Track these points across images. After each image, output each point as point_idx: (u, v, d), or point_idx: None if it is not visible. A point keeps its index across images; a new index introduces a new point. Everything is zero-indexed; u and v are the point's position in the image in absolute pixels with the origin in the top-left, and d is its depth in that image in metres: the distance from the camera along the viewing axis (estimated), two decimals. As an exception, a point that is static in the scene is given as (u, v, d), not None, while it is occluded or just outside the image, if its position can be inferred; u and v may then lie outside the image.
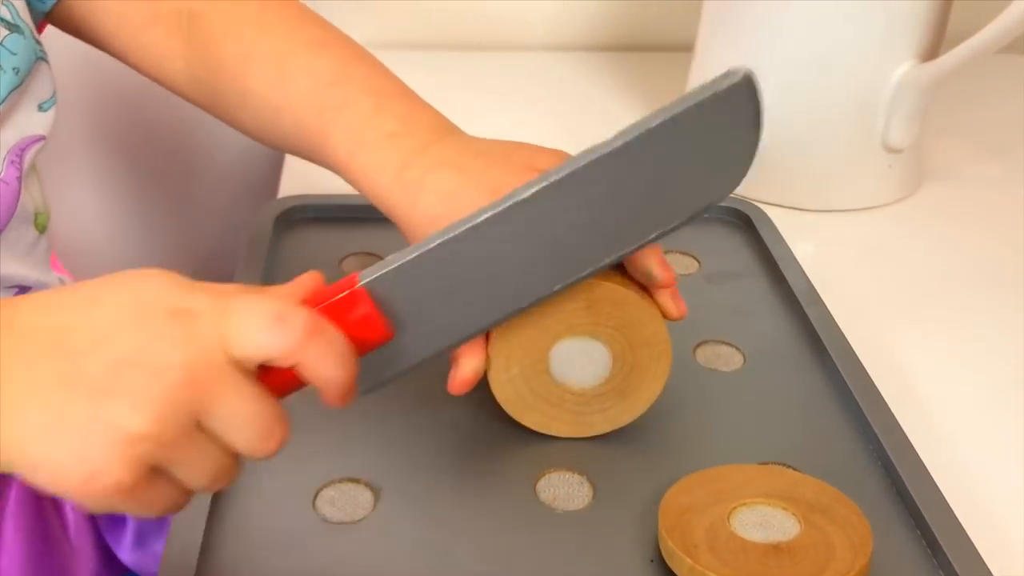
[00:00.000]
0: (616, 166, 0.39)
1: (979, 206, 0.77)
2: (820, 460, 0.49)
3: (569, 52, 0.98)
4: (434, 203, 0.48)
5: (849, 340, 0.56)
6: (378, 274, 0.39)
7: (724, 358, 0.57)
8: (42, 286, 0.61)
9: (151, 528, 0.65)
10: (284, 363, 0.36)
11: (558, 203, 0.39)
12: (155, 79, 0.60)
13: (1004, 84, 0.94)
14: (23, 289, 0.59)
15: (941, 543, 0.44)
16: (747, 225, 0.68)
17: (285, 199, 0.67)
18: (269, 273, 0.61)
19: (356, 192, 0.69)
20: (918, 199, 0.77)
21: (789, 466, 0.49)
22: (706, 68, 0.78)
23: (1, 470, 0.34)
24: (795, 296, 0.60)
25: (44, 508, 0.61)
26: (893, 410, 0.52)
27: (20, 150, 0.55)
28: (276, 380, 0.36)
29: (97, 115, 1.00)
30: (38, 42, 0.56)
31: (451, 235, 0.39)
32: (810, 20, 0.70)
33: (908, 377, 0.59)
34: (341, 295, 0.38)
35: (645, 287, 0.48)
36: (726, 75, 0.38)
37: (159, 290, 0.36)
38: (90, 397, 0.34)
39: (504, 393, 0.49)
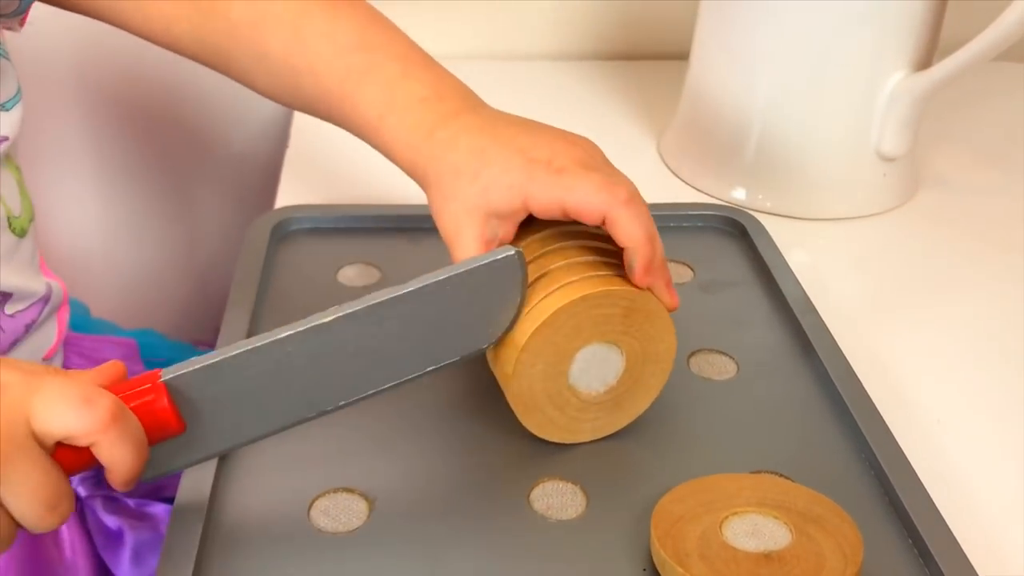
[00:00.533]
0: (404, 307, 0.45)
1: (974, 214, 0.77)
2: (813, 469, 0.50)
3: (566, 62, 0.98)
4: (463, 157, 0.49)
5: (843, 349, 0.56)
6: (178, 373, 0.42)
7: (718, 367, 0.57)
8: (30, 292, 0.60)
9: (148, 545, 0.66)
10: (82, 442, 0.38)
11: (352, 331, 0.44)
12: (161, 44, 0.60)
13: (998, 92, 0.95)
14: (4, 295, 0.58)
15: (933, 554, 0.44)
16: (742, 234, 0.68)
17: (281, 209, 0.67)
18: (265, 283, 0.61)
19: (353, 202, 0.70)
20: (913, 207, 0.77)
21: (782, 475, 0.49)
22: (701, 77, 0.78)
23: None
24: (789, 305, 0.60)
25: (43, 547, 0.61)
26: (886, 419, 0.52)
27: None
28: (69, 457, 0.39)
29: (94, 121, 1.00)
30: None
31: (253, 346, 0.43)
32: (804, 30, 0.71)
33: (901, 386, 0.59)
34: (142, 387, 0.41)
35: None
36: (499, 251, 0.46)
37: None
38: None
39: (519, 386, 0.48)
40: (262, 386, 0.44)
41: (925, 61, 0.72)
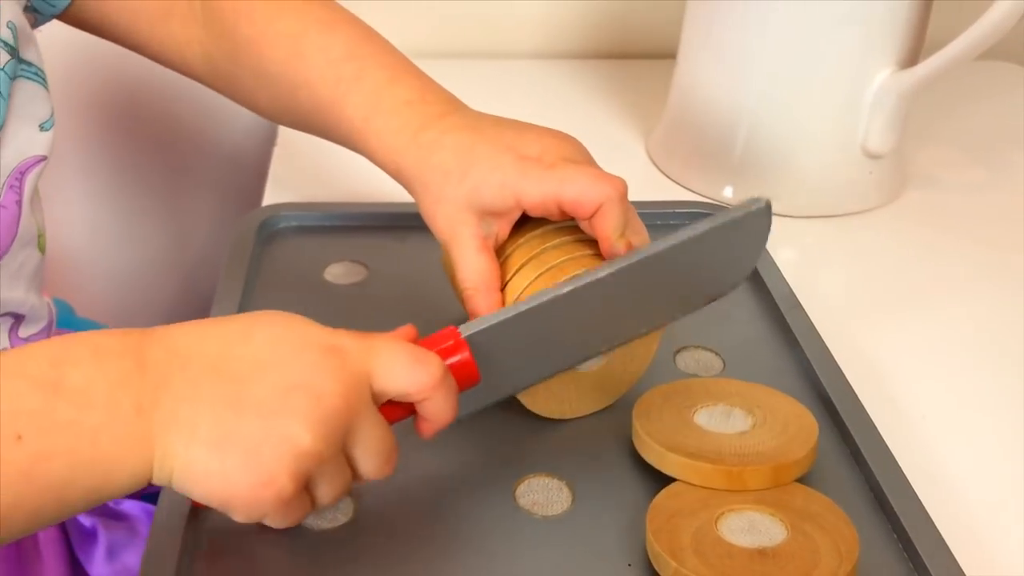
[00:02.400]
0: (662, 262, 0.47)
1: (960, 211, 0.78)
2: (798, 465, 0.50)
3: (555, 60, 0.98)
4: (450, 157, 0.50)
5: (829, 345, 0.57)
6: (475, 330, 0.45)
7: (704, 363, 0.57)
8: (36, 314, 0.59)
9: (122, 541, 0.65)
10: (415, 399, 0.42)
11: (623, 283, 0.46)
12: (174, 68, 0.62)
13: (984, 90, 0.95)
14: (16, 317, 0.58)
15: (918, 549, 0.45)
16: (728, 231, 0.68)
17: (268, 207, 0.67)
18: (251, 281, 0.61)
19: (339, 200, 0.70)
20: (899, 204, 0.78)
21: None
22: (689, 75, 0.78)
23: (159, 482, 0.38)
24: (775, 301, 0.60)
25: (22, 547, 0.61)
26: (871, 414, 0.52)
27: (20, 173, 0.55)
28: (392, 412, 0.42)
29: (81, 120, 1.00)
30: (27, 62, 0.55)
31: (538, 302, 0.45)
32: (790, 28, 0.71)
33: (887, 381, 0.60)
34: (447, 343, 0.44)
35: None
36: (753, 201, 0.48)
37: (308, 328, 0.41)
38: (259, 416, 0.38)
39: None
40: (537, 338, 0.46)
41: (911, 59, 0.73)
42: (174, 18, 0.60)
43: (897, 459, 0.49)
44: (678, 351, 0.57)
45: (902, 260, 0.72)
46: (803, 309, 0.60)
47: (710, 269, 0.49)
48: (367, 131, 0.53)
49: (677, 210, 0.70)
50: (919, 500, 0.47)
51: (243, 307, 0.58)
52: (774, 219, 0.73)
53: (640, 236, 0.49)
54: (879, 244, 0.74)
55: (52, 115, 0.58)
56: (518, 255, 0.50)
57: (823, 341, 0.57)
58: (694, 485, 0.46)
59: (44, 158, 0.56)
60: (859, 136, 0.73)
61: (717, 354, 0.57)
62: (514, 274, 0.50)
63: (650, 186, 0.79)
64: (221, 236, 1.08)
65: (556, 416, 0.52)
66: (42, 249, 0.59)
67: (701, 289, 0.49)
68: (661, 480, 0.47)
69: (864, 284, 0.70)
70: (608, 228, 0.47)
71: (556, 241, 0.50)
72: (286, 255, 0.64)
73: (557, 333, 0.47)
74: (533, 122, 0.52)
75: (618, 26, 0.99)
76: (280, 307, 0.59)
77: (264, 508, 0.38)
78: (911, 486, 0.48)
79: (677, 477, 0.47)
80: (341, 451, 0.40)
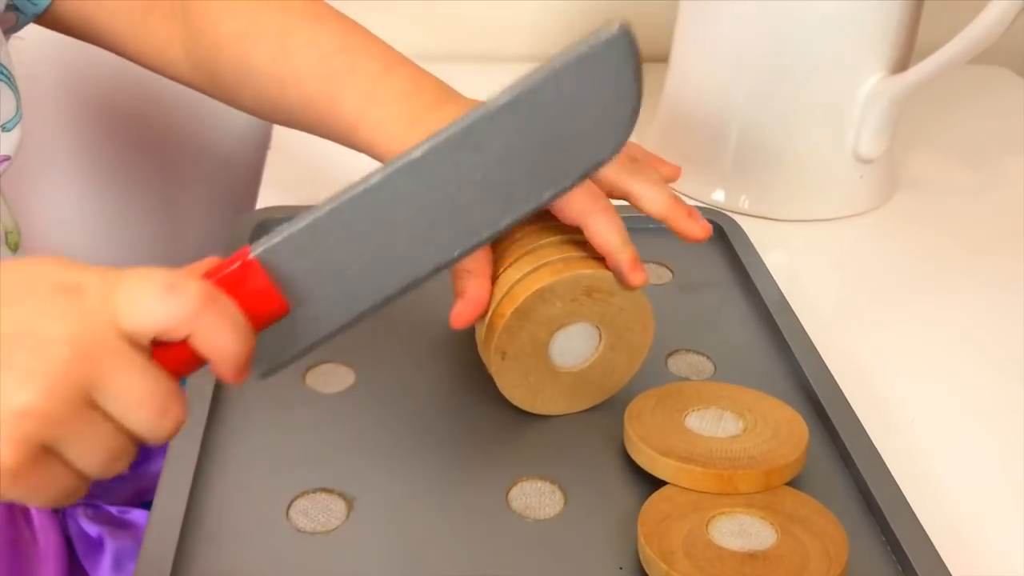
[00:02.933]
0: (503, 123, 0.38)
1: (950, 215, 0.78)
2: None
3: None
4: None
5: (819, 348, 0.57)
6: (269, 244, 0.37)
7: (696, 367, 0.57)
8: None
9: (128, 550, 0.66)
10: (177, 334, 0.34)
11: (449, 161, 0.38)
12: (155, 68, 0.61)
13: (974, 94, 0.95)
14: None
15: (907, 552, 0.45)
16: (720, 235, 0.68)
17: (263, 210, 0.68)
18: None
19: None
20: (890, 208, 0.78)
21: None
22: (680, 79, 0.79)
23: None
24: (766, 305, 0.61)
25: (17, 531, 0.61)
26: (861, 417, 0.52)
27: None
28: (171, 357, 0.35)
29: (75, 122, 1.00)
30: None
31: (343, 199, 0.37)
32: (782, 33, 0.71)
33: (876, 385, 0.60)
34: (232, 267, 0.36)
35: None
36: (604, 28, 0.38)
37: (48, 267, 0.35)
38: None
39: (504, 342, 0.49)
40: (364, 245, 0.38)
41: (901, 64, 0.73)
42: (154, 17, 0.60)
43: (886, 462, 0.50)
44: (670, 354, 0.58)
45: (892, 263, 0.73)
46: (793, 312, 0.60)
47: (570, 127, 0.38)
48: (362, 122, 0.52)
49: (669, 213, 0.70)
50: (907, 503, 0.47)
51: (237, 310, 0.58)
52: (765, 222, 0.74)
53: (658, 187, 0.51)
54: (869, 247, 0.74)
55: (17, 114, 0.57)
56: (513, 249, 0.51)
57: (813, 344, 0.57)
58: (685, 489, 0.47)
59: (8, 158, 0.56)
60: (850, 140, 0.74)
61: (708, 357, 0.58)
62: (508, 267, 0.50)
63: (642, 189, 0.79)
64: (213, 237, 1.08)
65: (525, 407, 0.52)
66: (12, 247, 0.59)
67: (565, 155, 0.39)
68: (653, 483, 0.47)
69: (854, 287, 0.70)
70: (602, 244, 0.48)
71: (553, 239, 0.50)
72: (280, 258, 0.64)
73: (389, 233, 0.38)
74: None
75: (610, 29, 1.00)
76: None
77: None
78: (900, 489, 0.48)
79: (669, 481, 0.47)
80: (88, 407, 0.33)
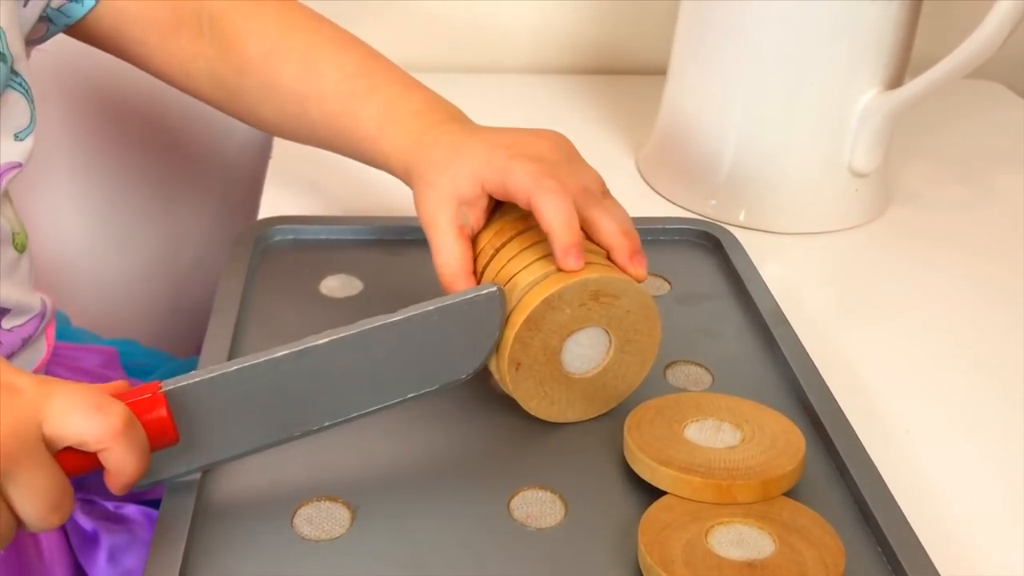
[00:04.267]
0: (392, 334, 0.47)
1: (944, 228, 0.79)
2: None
3: (548, 75, 0.99)
4: (443, 152, 0.54)
5: (815, 359, 0.58)
6: (177, 385, 0.44)
7: (694, 378, 0.58)
8: (23, 307, 0.61)
9: (123, 545, 0.66)
10: (93, 448, 0.40)
11: (342, 354, 0.47)
12: (175, 83, 0.64)
13: (968, 108, 0.96)
14: (3, 310, 0.60)
15: (903, 564, 0.45)
16: (716, 247, 0.69)
17: (265, 220, 0.68)
18: (248, 294, 0.62)
19: (335, 214, 0.71)
20: (884, 221, 0.79)
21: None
22: (679, 91, 0.79)
23: None
24: (762, 317, 0.61)
25: (22, 548, 0.62)
26: (857, 428, 0.53)
27: None
28: (72, 460, 0.41)
29: (77, 130, 1.01)
30: (16, 73, 0.57)
31: (248, 363, 0.45)
32: (779, 49, 0.72)
33: (872, 396, 0.61)
34: (143, 396, 0.43)
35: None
36: (483, 287, 0.49)
37: None
38: None
39: (518, 353, 0.50)
40: (254, 402, 0.46)
41: (896, 80, 0.74)
42: (183, 32, 0.62)
43: (881, 473, 0.50)
44: (668, 366, 0.58)
45: (886, 276, 0.73)
46: (789, 324, 0.61)
47: (442, 348, 0.49)
48: (380, 138, 0.57)
49: (665, 225, 0.71)
50: (903, 514, 0.48)
51: (241, 320, 0.59)
52: (761, 234, 0.75)
53: (615, 227, 0.51)
54: (864, 260, 0.75)
55: (31, 124, 0.59)
56: (487, 245, 0.53)
57: (809, 356, 0.58)
58: (685, 499, 0.47)
59: (20, 165, 0.58)
60: (845, 154, 0.75)
61: (706, 369, 0.58)
62: (487, 264, 0.52)
63: (639, 201, 0.80)
64: (213, 246, 1.08)
65: (543, 416, 0.53)
66: (19, 248, 0.61)
67: (432, 369, 0.49)
68: (652, 493, 0.48)
69: (849, 299, 0.71)
70: (545, 222, 0.49)
71: (518, 232, 0.52)
72: (282, 268, 0.65)
73: (277, 398, 0.46)
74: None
75: (610, 42, 1.01)
76: (277, 320, 0.60)
77: None
78: (895, 500, 0.49)
79: (668, 490, 0.48)
80: None
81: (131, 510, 0.65)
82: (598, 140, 0.88)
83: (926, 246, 0.76)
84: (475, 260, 0.53)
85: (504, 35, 0.99)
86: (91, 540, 0.65)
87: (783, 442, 0.50)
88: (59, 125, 0.99)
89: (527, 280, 0.50)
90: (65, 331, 0.77)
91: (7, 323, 0.60)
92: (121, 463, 0.41)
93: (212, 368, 0.45)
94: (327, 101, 0.59)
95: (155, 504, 0.66)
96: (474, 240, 0.54)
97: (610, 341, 0.52)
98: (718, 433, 0.50)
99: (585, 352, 0.52)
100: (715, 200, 0.77)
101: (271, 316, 0.60)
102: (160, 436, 0.43)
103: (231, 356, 0.56)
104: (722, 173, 0.77)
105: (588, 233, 0.52)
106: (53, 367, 0.70)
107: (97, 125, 1.01)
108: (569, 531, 0.48)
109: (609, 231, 0.51)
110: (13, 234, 0.60)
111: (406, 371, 0.48)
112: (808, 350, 0.59)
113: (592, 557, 0.46)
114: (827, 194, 0.77)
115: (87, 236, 1.06)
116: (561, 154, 0.53)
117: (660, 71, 0.82)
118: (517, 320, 0.49)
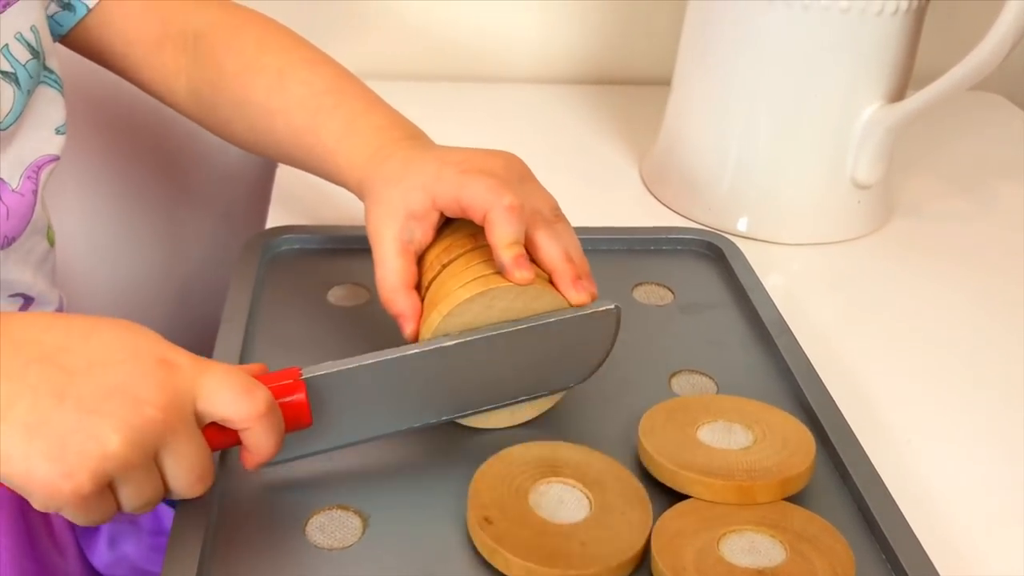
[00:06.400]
0: (510, 342, 0.50)
1: (945, 240, 0.79)
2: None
3: (552, 85, 1.00)
4: (394, 167, 0.54)
5: (817, 369, 0.58)
6: (316, 373, 0.47)
7: (699, 387, 0.59)
8: (45, 299, 0.64)
9: (123, 532, 0.67)
10: (237, 426, 0.43)
11: (467, 356, 0.50)
12: (158, 96, 0.66)
13: (969, 121, 0.97)
14: (26, 299, 0.62)
15: (907, 570, 0.46)
16: (720, 257, 0.70)
17: (272, 230, 0.69)
18: (256, 303, 0.62)
19: (341, 224, 0.72)
20: (886, 233, 0.80)
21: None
22: (683, 102, 0.80)
23: None
24: (765, 326, 0.62)
25: (33, 527, 0.62)
26: (859, 437, 0.53)
27: (36, 167, 0.59)
28: (216, 435, 0.44)
29: (82, 137, 1.01)
30: (50, 69, 0.60)
31: (382, 358, 0.48)
32: (783, 63, 0.73)
33: (874, 406, 0.61)
34: (285, 382, 0.46)
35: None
36: (603, 302, 0.51)
37: (150, 339, 0.43)
38: (78, 410, 0.39)
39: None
40: (381, 394, 0.49)
41: (899, 93, 0.75)
42: (167, 47, 0.64)
43: (884, 480, 0.51)
44: (673, 375, 0.59)
45: (888, 287, 0.74)
46: (792, 333, 0.61)
47: (556, 357, 0.51)
48: (339, 152, 0.58)
49: (669, 236, 0.71)
50: (906, 520, 0.49)
51: (249, 329, 0.60)
52: (764, 244, 0.76)
53: (559, 252, 0.51)
54: (866, 271, 0.76)
55: (66, 120, 0.62)
56: (434, 260, 0.53)
57: (812, 365, 0.59)
58: (702, 502, 0.48)
59: (57, 158, 0.61)
60: (848, 167, 0.75)
61: (711, 377, 0.59)
62: (432, 279, 0.53)
63: (643, 211, 0.80)
64: (217, 254, 1.09)
65: (491, 426, 0.54)
66: (51, 241, 0.64)
67: (547, 375, 0.52)
68: (666, 494, 0.49)
69: (850, 309, 0.72)
70: (492, 236, 0.50)
71: (467, 249, 0.53)
72: (290, 277, 0.66)
73: (402, 391, 0.49)
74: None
75: (614, 52, 1.01)
76: (285, 329, 0.61)
77: (60, 501, 0.39)
78: (898, 507, 0.49)
79: (689, 493, 0.48)
80: (152, 461, 0.41)
81: None
82: (602, 150, 0.89)
83: (927, 257, 0.77)
84: (422, 275, 0.53)
85: (509, 45, 1.00)
86: (91, 528, 0.66)
87: (794, 441, 0.50)
88: (68, 132, 1.00)
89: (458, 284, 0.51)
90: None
91: None
92: (259, 443, 0.44)
93: (348, 360, 0.48)
94: (293, 116, 0.60)
95: None
96: (423, 255, 0.54)
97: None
98: (730, 434, 0.51)
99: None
100: (718, 210, 0.78)
101: (279, 324, 0.61)
102: (296, 419, 0.46)
103: (240, 363, 0.57)
104: (725, 184, 0.77)
105: (532, 255, 0.51)
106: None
107: (103, 134, 1.01)
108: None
109: (552, 255, 0.51)
110: (47, 227, 0.63)
111: (522, 376, 0.51)
112: (811, 359, 0.59)
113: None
114: (829, 206, 0.77)
115: (91, 243, 1.07)
116: (513, 174, 0.53)
117: (664, 82, 0.82)
118: (434, 320, 0.50)
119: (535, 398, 0.53)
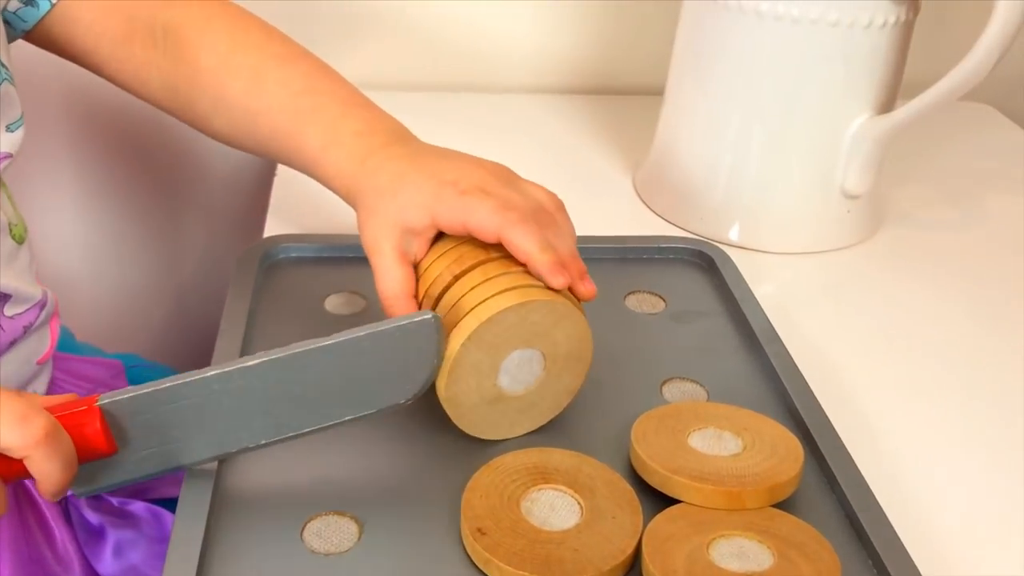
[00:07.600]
0: (325, 358, 0.48)
1: (934, 249, 0.80)
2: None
3: (546, 95, 1.01)
4: (387, 180, 0.55)
5: (806, 377, 0.59)
6: (114, 399, 0.46)
7: (690, 394, 0.59)
8: (25, 296, 0.63)
9: (128, 540, 0.68)
10: (15, 455, 0.43)
11: (275, 375, 0.48)
12: (130, 90, 0.66)
13: (959, 131, 0.98)
14: (4, 296, 0.61)
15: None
16: (711, 266, 0.71)
17: (269, 239, 0.69)
18: (253, 312, 0.63)
19: (338, 232, 0.72)
20: (875, 242, 0.80)
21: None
22: (676, 112, 0.81)
23: None
24: (756, 335, 0.63)
25: (35, 541, 0.63)
26: (848, 445, 0.54)
27: None
28: (3, 466, 0.44)
29: (81, 144, 1.01)
30: (4, 65, 0.59)
31: (183, 380, 0.47)
32: (773, 74, 0.74)
33: (863, 413, 0.62)
34: (78, 409, 0.45)
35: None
36: (418, 313, 0.49)
37: None
38: None
39: (455, 389, 0.51)
40: (190, 418, 0.47)
41: (888, 104, 0.75)
42: (135, 42, 0.64)
43: (871, 487, 0.51)
44: (664, 382, 0.60)
45: (878, 296, 0.75)
46: (782, 342, 0.62)
47: (378, 373, 0.49)
48: (323, 159, 0.59)
49: (660, 244, 0.72)
50: (892, 527, 0.49)
51: (247, 337, 0.60)
52: (755, 254, 0.77)
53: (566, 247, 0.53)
54: (856, 280, 0.76)
55: (21, 117, 0.61)
56: (444, 271, 0.53)
57: (800, 372, 0.59)
58: (692, 508, 0.49)
59: (10, 155, 0.60)
60: (838, 177, 0.76)
61: (701, 385, 0.60)
62: (445, 289, 0.53)
63: (636, 221, 0.81)
64: (215, 261, 1.09)
65: (492, 437, 0.54)
66: (17, 239, 0.63)
67: (371, 392, 0.49)
68: (657, 500, 0.49)
69: (840, 318, 0.72)
70: (521, 252, 0.51)
71: (474, 260, 0.53)
72: (287, 286, 0.66)
73: (215, 413, 0.48)
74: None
75: (607, 62, 1.02)
76: (282, 337, 0.61)
77: None
78: (885, 515, 0.50)
79: (680, 498, 0.49)
80: None
81: (137, 507, 0.67)
82: (595, 160, 0.90)
83: (917, 266, 0.78)
84: (430, 286, 0.53)
85: (503, 55, 1.00)
86: (97, 534, 0.66)
87: (783, 448, 0.51)
88: (62, 140, 1.00)
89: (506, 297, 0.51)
90: (70, 345, 0.78)
91: (8, 310, 0.62)
92: (43, 470, 0.44)
93: (150, 383, 0.47)
94: (275, 118, 0.60)
95: (160, 502, 0.68)
96: (425, 267, 0.54)
97: (543, 358, 0.53)
98: (720, 441, 0.52)
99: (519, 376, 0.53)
100: (710, 220, 0.79)
101: (276, 333, 0.62)
102: (95, 447, 0.46)
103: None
104: (717, 193, 0.78)
105: (509, 250, 0.52)
106: (60, 376, 0.71)
107: (100, 141, 1.02)
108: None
109: (526, 248, 0.52)
110: (10, 225, 0.62)
111: (341, 394, 0.49)
112: (800, 367, 0.60)
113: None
114: (820, 215, 0.78)
115: (89, 250, 1.07)
116: (503, 181, 0.55)
117: (657, 92, 0.83)
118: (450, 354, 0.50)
119: (363, 417, 0.50)
